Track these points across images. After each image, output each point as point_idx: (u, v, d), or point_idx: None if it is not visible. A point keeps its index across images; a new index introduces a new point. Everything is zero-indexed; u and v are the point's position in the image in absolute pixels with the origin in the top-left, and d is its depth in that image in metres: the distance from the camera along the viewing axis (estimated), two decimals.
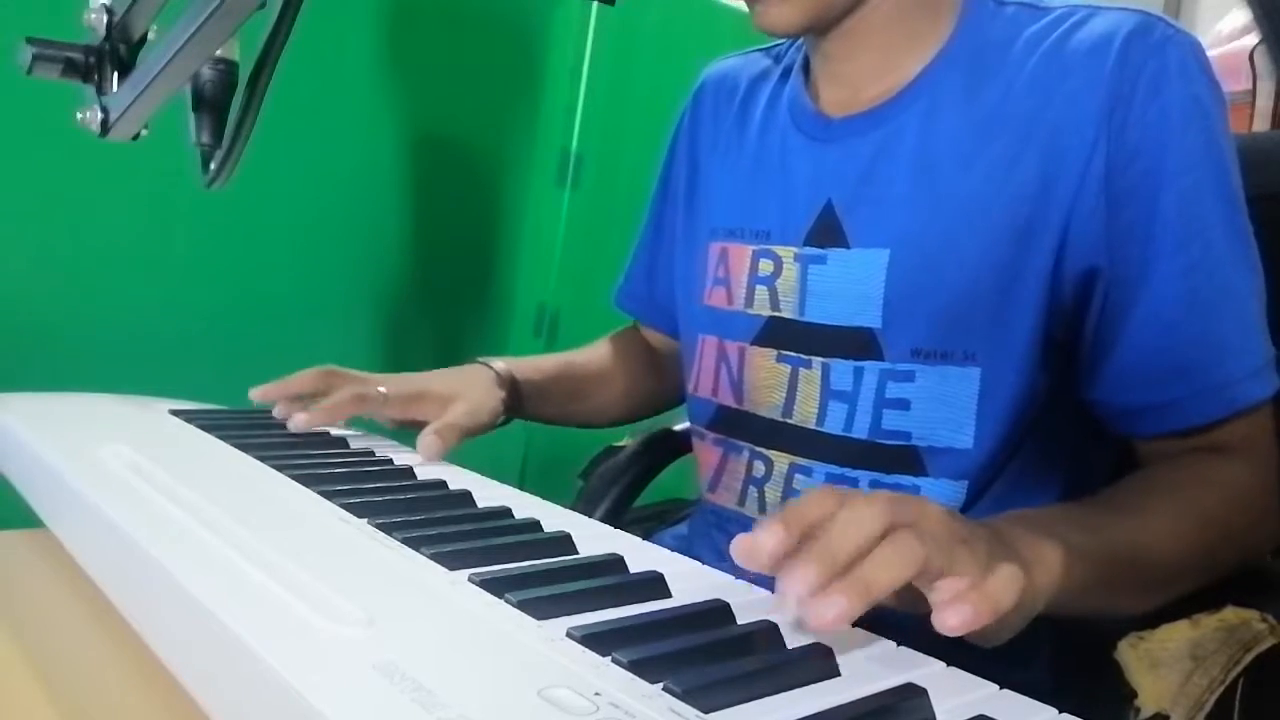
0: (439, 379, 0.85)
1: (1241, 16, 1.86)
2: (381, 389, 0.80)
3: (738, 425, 0.80)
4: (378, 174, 1.30)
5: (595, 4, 1.42)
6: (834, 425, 0.72)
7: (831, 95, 0.77)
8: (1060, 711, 0.38)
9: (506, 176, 1.43)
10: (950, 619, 0.41)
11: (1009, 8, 0.71)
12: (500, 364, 0.88)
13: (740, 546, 0.46)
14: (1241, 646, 0.54)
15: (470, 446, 0.79)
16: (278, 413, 0.79)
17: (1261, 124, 1.78)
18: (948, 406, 0.68)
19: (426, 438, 0.76)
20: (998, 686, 0.40)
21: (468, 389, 0.84)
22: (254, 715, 0.36)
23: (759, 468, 0.78)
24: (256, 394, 0.79)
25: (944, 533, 0.45)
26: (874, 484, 0.71)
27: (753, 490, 0.78)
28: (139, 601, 0.48)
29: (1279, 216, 0.70)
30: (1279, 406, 0.66)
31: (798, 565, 0.42)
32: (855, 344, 0.71)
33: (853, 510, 0.44)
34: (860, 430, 0.71)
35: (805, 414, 0.74)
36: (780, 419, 0.76)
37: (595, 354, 1.00)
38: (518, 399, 0.87)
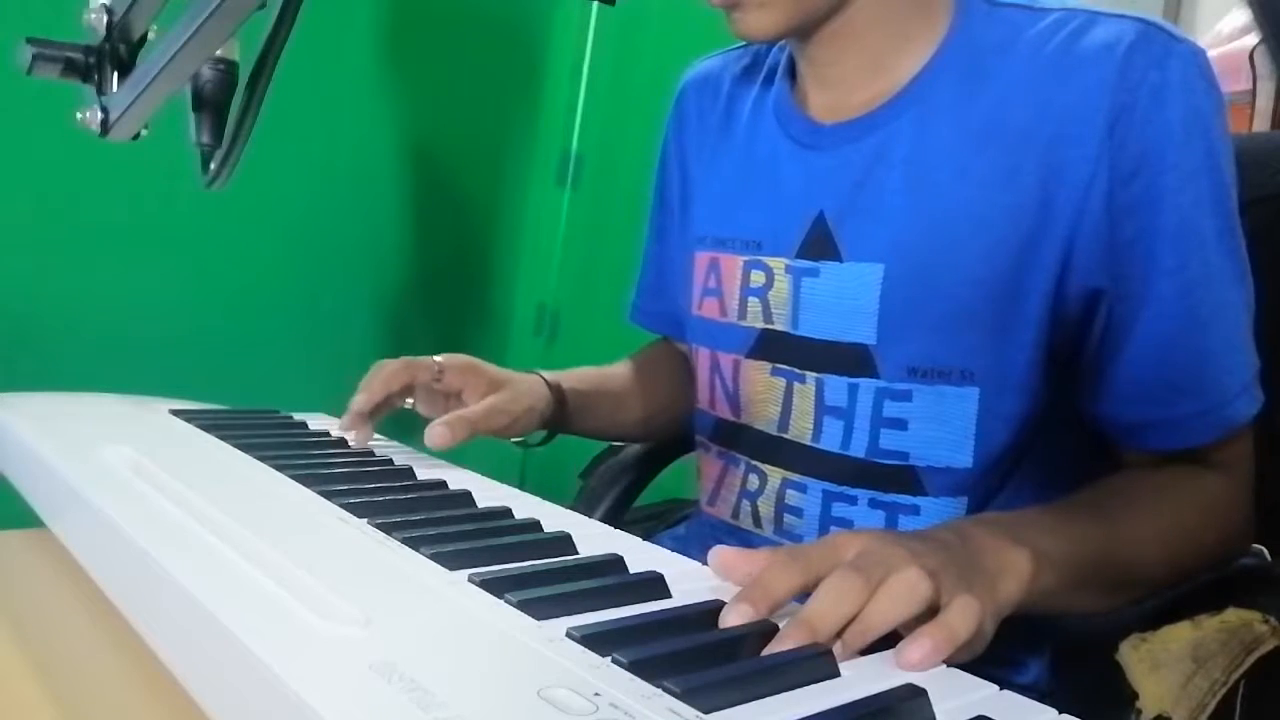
0: (495, 367, 0.84)
1: (1241, 16, 1.86)
2: (438, 358, 0.80)
3: (736, 438, 0.79)
4: (378, 174, 1.30)
5: (595, 4, 1.42)
6: (830, 442, 0.71)
7: (820, 100, 0.75)
8: (1060, 712, 0.38)
9: (506, 176, 1.43)
10: (912, 654, 0.42)
11: (1003, 8, 0.69)
12: (549, 374, 0.87)
13: (716, 561, 0.48)
14: (1243, 648, 0.54)
15: (470, 446, 0.79)
16: (351, 429, 0.77)
17: (1261, 124, 1.78)
18: (946, 427, 0.67)
19: (436, 428, 0.73)
20: (998, 687, 0.40)
21: (518, 380, 0.83)
22: (251, 714, 0.36)
23: (753, 481, 0.77)
24: (347, 423, 0.77)
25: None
26: (872, 502, 0.70)
27: (746, 504, 0.78)
28: (139, 601, 0.48)
29: (1277, 218, 0.70)
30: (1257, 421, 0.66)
31: (785, 638, 0.42)
32: (850, 360, 0.69)
33: (832, 588, 0.44)
34: (858, 449, 0.70)
35: (801, 429, 0.73)
36: (777, 433, 0.75)
37: (630, 366, 0.97)
38: (563, 409, 0.86)
